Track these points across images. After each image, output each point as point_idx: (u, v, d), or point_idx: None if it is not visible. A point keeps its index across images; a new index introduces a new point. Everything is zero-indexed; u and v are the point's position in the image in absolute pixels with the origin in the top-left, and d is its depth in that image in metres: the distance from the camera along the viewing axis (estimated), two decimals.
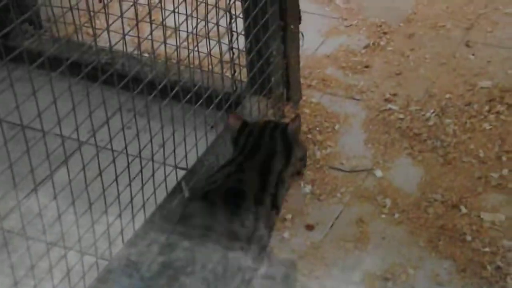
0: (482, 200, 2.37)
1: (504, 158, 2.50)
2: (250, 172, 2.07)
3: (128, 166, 1.92)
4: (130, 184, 1.95)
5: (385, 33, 3.07)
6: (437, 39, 3.02)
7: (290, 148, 2.16)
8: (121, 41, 1.86)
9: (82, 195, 1.82)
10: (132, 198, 1.98)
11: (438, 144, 2.57)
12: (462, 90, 2.77)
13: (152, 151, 2.02)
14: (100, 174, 1.83)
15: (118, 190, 1.92)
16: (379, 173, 2.50)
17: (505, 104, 2.68)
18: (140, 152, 1.96)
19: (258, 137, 2.17)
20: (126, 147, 1.89)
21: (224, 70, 2.41)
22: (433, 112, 2.69)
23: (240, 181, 2.04)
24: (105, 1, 1.74)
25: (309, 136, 2.66)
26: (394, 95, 2.80)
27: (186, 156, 2.23)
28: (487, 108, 2.68)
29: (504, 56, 2.89)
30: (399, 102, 2.76)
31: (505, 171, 2.46)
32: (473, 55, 2.92)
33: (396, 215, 2.35)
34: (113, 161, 1.87)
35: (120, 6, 1.77)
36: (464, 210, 2.34)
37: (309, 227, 2.36)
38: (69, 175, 1.74)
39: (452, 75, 2.85)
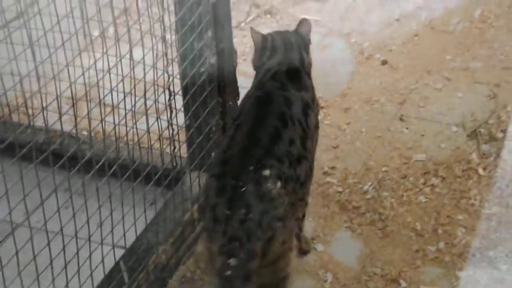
0: (420, 274, 2.40)
1: (440, 231, 2.55)
2: None
3: (63, 248, 1.88)
4: (65, 267, 1.91)
5: (321, 107, 3.13)
6: (372, 113, 3.09)
7: None
8: (61, 121, 1.84)
9: (15, 280, 1.77)
10: (67, 282, 1.93)
11: (376, 217, 2.61)
12: (397, 163, 2.83)
13: (89, 231, 1.99)
14: (34, 258, 1.79)
15: (52, 274, 1.87)
16: (319, 247, 2.51)
17: (439, 177, 2.75)
18: (76, 232, 1.92)
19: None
20: (61, 228, 1.85)
21: (164, 147, 2.41)
22: (371, 185, 2.74)
23: None
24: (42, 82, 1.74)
25: None
26: (332, 168, 2.84)
27: (124, 234, 2.19)
28: (422, 181, 2.74)
29: (436, 130, 2.98)
30: (337, 175, 2.80)
31: (441, 244, 2.50)
32: (407, 128, 3.00)
33: None
34: (48, 244, 1.82)
35: (56, 87, 1.77)
36: (403, 284, 2.36)
37: None
38: (0, 261, 1.69)
39: (387, 148, 2.91)
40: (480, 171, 2.76)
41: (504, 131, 2.91)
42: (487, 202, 2.64)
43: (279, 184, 2.01)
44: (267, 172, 2.01)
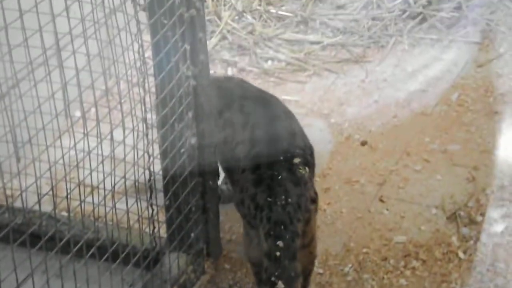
0: None
1: None
2: None
3: None
4: None
5: None
6: (352, 193, 3.10)
7: None
8: (39, 203, 1.83)
9: None
10: None
11: None
12: (378, 245, 2.83)
13: None
14: None
15: None
16: None
17: (420, 259, 2.74)
18: None
19: None
20: None
21: (143, 227, 2.39)
22: (351, 267, 2.72)
23: None
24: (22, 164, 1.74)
25: None
26: None
27: None
28: (403, 263, 2.73)
29: (416, 212, 2.99)
30: (318, 256, 2.78)
31: None
32: (387, 210, 3.01)
33: None
34: None
35: (35, 168, 1.76)
36: None
37: None
38: None
39: (368, 229, 2.91)
40: (461, 254, 2.75)
41: (483, 215, 2.93)
42: (467, 286, 2.63)
43: (307, 169, 2.34)
44: (297, 160, 2.34)
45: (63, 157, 1.87)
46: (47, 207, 2.08)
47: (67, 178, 1.96)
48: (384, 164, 3.27)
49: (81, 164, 2.06)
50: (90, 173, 2.04)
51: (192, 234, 2.57)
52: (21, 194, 1.75)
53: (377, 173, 3.22)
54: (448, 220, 2.93)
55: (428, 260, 2.74)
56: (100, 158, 2.05)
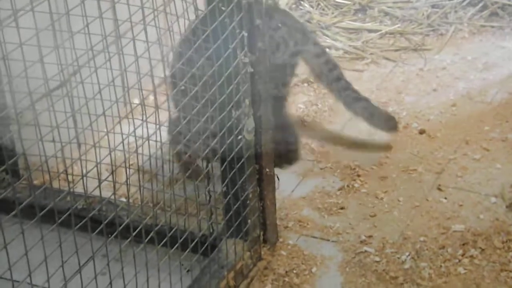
0: None
1: None
2: None
3: None
4: None
5: (358, 175, 3.13)
6: (409, 182, 3.08)
7: None
8: (100, 188, 1.88)
9: None
10: None
11: None
12: (436, 233, 2.80)
13: None
14: None
15: None
16: None
17: (478, 248, 2.71)
18: None
19: None
20: None
21: (201, 213, 2.43)
22: (409, 255, 2.70)
23: None
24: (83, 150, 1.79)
25: (286, 279, 2.65)
26: (370, 237, 2.82)
27: None
28: (461, 252, 2.70)
29: (475, 201, 2.95)
30: (374, 244, 2.78)
31: None
32: (445, 198, 2.98)
33: None
34: None
35: (96, 153, 1.81)
36: None
37: None
38: None
39: (425, 218, 2.89)
40: None
41: None
42: None
43: None
44: None
45: (122, 142, 1.90)
46: (107, 193, 2.13)
47: (126, 164, 2.00)
48: (442, 153, 3.23)
49: (140, 150, 2.10)
50: (149, 159, 2.08)
51: (249, 221, 2.59)
52: (82, 179, 1.79)
53: (435, 162, 3.18)
54: (508, 209, 2.88)
55: (487, 248, 2.70)
56: (158, 145, 2.09)
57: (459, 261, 2.66)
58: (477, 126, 3.36)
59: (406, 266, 2.66)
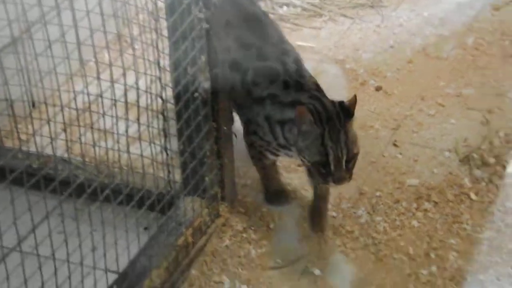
0: None
1: (432, 255, 2.56)
2: None
3: (55, 272, 1.89)
4: None
5: None
6: (366, 138, 3.11)
7: None
8: (53, 146, 1.86)
9: None
10: None
11: (369, 242, 2.61)
12: (391, 188, 2.84)
13: (81, 255, 2.00)
14: (25, 282, 1.79)
15: None
16: (314, 271, 2.51)
17: (432, 201, 2.76)
18: (68, 256, 1.93)
19: None
20: (53, 253, 1.86)
21: (157, 171, 2.43)
22: (364, 210, 2.75)
23: None
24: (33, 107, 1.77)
25: (244, 235, 2.67)
26: None
27: (117, 259, 2.20)
28: (415, 205, 2.75)
29: (429, 156, 3.00)
30: (331, 200, 2.81)
31: (433, 268, 2.51)
32: (400, 154, 3.02)
33: None
34: (39, 268, 1.83)
35: (48, 111, 1.79)
36: None
37: None
38: None
39: (381, 173, 2.93)
40: (472, 196, 2.77)
41: (496, 157, 2.93)
42: (478, 227, 2.65)
43: None
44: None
45: (75, 98, 1.88)
46: (63, 153, 2.11)
47: (80, 121, 1.98)
48: (398, 109, 3.27)
49: (95, 109, 2.08)
50: (103, 116, 2.06)
51: (207, 179, 2.59)
52: (34, 136, 1.77)
53: (392, 118, 3.22)
54: (461, 163, 2.94)
55: (440, 202, 2.76)
56: (113, 104, 2.07)
57: (413, 214, 2.71)
58: (433, 82, 3.40)
59: (362, 220, 2.71)
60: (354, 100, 2.35)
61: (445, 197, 2.78)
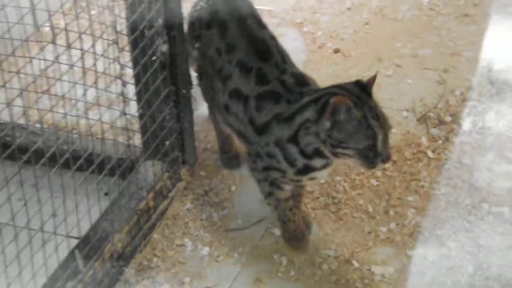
0: (372, 254, 2.45)
1: (391, 213, 2.61)
2: None
3: (15, 237, 1.88)
4: (18, 256, 1.91)
5: None
6: None
7: None
8: (8, 113, 1.84)
9: None
10: (20, 271, 1.93)
11: (329, 201, 2.65)
12: None
13: (41, 220, 1.99)
14: None
15: (5, 263, 1.87)
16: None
17: (390, 160, 2.80)
18: (28, 222, 1.92)
19: None
20: (12, 218, 1.85)
21: (117, 136, 2.42)
22: None
23: None
24: None
25: (206, 198, 2.69)
26: None
27: (78, 224, 2.20)
28: None
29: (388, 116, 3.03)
30: None
31: (392, 225, 2.56)
32: None
33: (292, 273, 2.40)
34: None
35: (3, 78, 1.77)
36: (356, 264, 2.42)
37: None
38: None
39: None
40: (430, 154, 2.83)
41: (452, 115, 2.99)
42: (436, 183, 2.71)
43: None
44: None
45: (31, 61, 1.86)
46: (21, 121, 2.09)
47: (36, 87, 1.96)
48: (356, 70, 3.29)
49: (54, 76, 2.06)
50: (59, 81, 2.04)
51: (167, 142, 2.59)
52: None
53: (350, 79, 3.22)
54: (418, 122, 2.98)
55: (398, 160, 2.80)
56: (70, 68, 2.05)
57: (372, 173, 2.75)
58: (390, 44, 3.43)
59: (322, 180, 2.74)
60: (373, 78, 2.22)
61: (403, 155, 2.82)
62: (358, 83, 2.22)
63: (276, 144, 2.28)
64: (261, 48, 2.43)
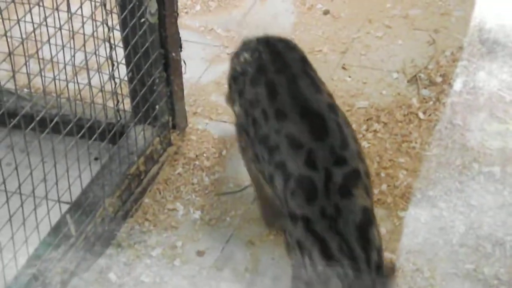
0: None
1: (382, 174, 2.61)
2: None
3: (7, 202, 1.87)
4: (10, 220, 1.90)
5: None
6: (315, 62, 3.05)
7: None
8: None
9: None
10: (12, 235, 1.93)
11: None
12: None
13: (33, 185, 1.98)
14: None
15: None
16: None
17: (381, 122, 2.80)
18: (19, 186, 1.91)
19: None
20: (4, 182, 1.84)
21: (106, 100, 2.40)
22: None
23: None
24: None
25: (197, 162, 2.68)
26: None
27: (69, 188, 2.19)
28: (365, 127, 2.79)
29: (378, 77, 3.02)
30: None
31: (384, 187, 2.56)
32: (349, 77, 3.04)
33: None
34: None
35: None
36: None
37: (200, 253, 2.37)
38: None
39: None
40: (420, 115, 2.82)
41: (443, 76, 2.98)
42: (427, 145, 2.71)
43: None
44: None
45: (18, 24, 1.82)
46: (8, 85, 2.07)
47: (24, 50, 1.93)
48: (346, 32, 3.27)
49: (41, 39, 2.03)
50: (48, 44, 2.01)
51: (157, 107, 2.58)
52: None
53: (340, 41, 3.22)
54: (408, 83, 2.98)
55: (389, 122, 2.80)
56: (57, 31, 2.02)
57: (363, 136, 2.75)
58: (379, 4, 3.40)
59: None
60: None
61: (394, 117, 2.82)
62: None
63: (297, 243, 1.99)
64: (316, 124, 2.06)
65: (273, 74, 2.20)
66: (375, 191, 2.54)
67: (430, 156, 2.67)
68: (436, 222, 2.43)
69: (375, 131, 2.77)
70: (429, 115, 2.82)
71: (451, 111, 2.82)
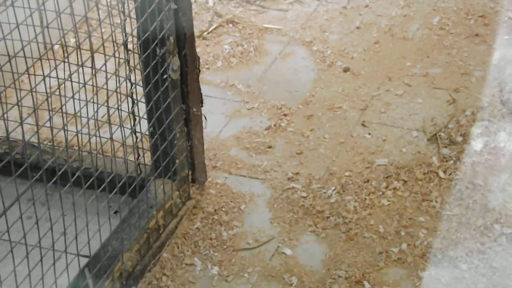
0: (384, 275, 2.43)
1: (402, 233, 2.59)
2: None
3: (27, 256, 1.87)
4: (29, 274, 1.90)
5: (285, 114, 3.17)
6: (334, 119, 3.13)
7: None
8: (20, 130, 1.84)
9: None
10: None
11: (340, 221, 2.64)
12: (360, 168, 2.87)
13: (52, 239, 1.98)
14: None
15: (16, 282, 1.86)
16: (287, 251, 2.53)
17: (401, 180, 2.80)
18: (39, 240, 1.92)
19: None
20: (24, 236, 1.85)
21: (127, 155, 2.41)
22: (334, 190, 2.77)
23: None
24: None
25: (215, 217, 2.68)
26: (297, 174, 2.87)
27: (88, 242, 2.19)
28: (384, 184, 2.78)
29: (398, 135, 3.03)
30: (301, 180, 2.83)
31: (404, 246, 2.54)
32: (369, 134, 3.05)
33: None
34: (11, 252, 1.81)
35: (17, 95, 1.77)
36: (367, 285, 2.40)
37: None
38: None
39: (350, 153, 2.95)
40: (441, 174, 2.81)
41: (463, 135, 2.98)
42: (447, 204, 2.69)
43: None
44: None
45: (44, 80, 1.85)
46: (33, 139, 2.09)
47: (48, 105, 1.95)
48: (366, 89, 3.29)
49: (63, 93, 2.06)
50: (72, 99, 2.04)
51: (177, 161, 2.59)
52: (4, 120, 1.74)
53: (359, 99, 3.24)
54: (429, 142, 2.97)
55: (409, 180, 2.79)
56: (82, 87, 2.05)
57: (383, 193, 2.74)
58: (399, 63, 3.43)
59: (332, 200, 2.73)
60: None
61: (414, 175, 2.81)
62: None
63: None
64: None
65: None
66: (395, 249, 2.52)
67: (451, 215, 2.65)
68: (458, 284, 2.39)
69: (394, 188, 2.76)
70: (450, 174, 2.81)
71: (472, 171, 2.81)
